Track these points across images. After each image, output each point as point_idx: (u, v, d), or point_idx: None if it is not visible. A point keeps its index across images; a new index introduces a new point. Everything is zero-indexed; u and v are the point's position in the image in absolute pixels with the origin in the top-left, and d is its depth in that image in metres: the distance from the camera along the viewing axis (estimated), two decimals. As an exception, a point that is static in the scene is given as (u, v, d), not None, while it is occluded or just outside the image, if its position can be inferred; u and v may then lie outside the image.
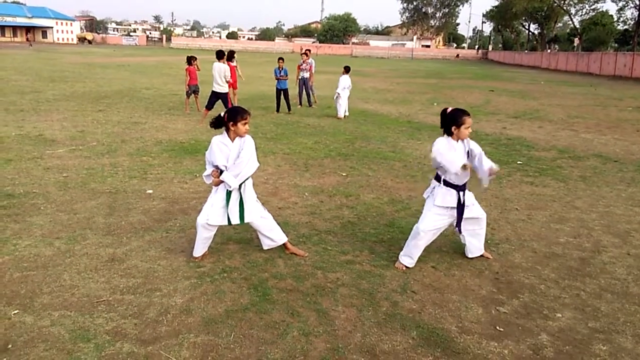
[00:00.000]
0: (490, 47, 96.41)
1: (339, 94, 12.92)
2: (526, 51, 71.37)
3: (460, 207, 4.12)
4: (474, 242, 4.40)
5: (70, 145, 8.40)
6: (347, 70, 13.44)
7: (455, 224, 4.20)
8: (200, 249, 4.27)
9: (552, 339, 3.29)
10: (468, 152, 4.12)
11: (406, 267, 4.25)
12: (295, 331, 3.29)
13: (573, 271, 4.31)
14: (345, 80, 13.05)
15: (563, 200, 6.36)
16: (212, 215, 4.14)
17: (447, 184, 4.12)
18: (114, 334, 3.18)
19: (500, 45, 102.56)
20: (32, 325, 3.22)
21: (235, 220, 4.16)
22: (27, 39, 66.08)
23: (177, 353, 3.02)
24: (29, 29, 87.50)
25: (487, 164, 4.01)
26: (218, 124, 4.03)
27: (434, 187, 4.22)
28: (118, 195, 5.89)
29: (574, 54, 50.76)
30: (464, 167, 3.96)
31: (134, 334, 3.19)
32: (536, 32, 78.54)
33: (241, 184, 4.10)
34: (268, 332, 3.27)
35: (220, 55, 11.60)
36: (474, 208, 4.26)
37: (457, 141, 4.10)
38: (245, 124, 3.99)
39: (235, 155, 4.04)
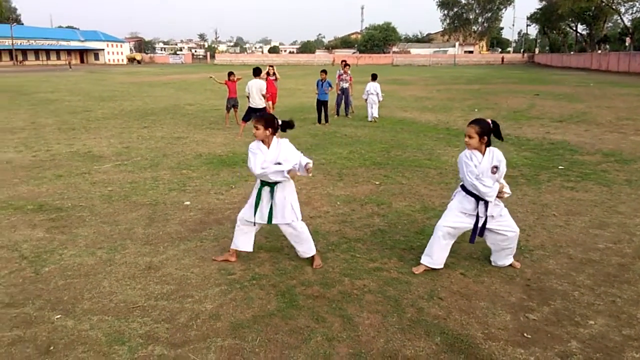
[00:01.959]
0: (536, 50, 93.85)
1: (365, 99, 14.32)
2: (572, 53, 69.00)
3: (480, 218, 4.08)
4: (501, 255, 4.31)
5: (116, 161, 8.83)
6: (374, 77, 14.59)
7: (471, 236, 4.16)
8: (236, 242, 4.45)
9: (582, 346, 3.20)
10: (495, 166, 4.03)
11: (426, 267, 4.24)
12: (319, 336, 3.35)
13: (610, 278, 4.17)
14: (370, 87, 14.19)
15: (605, 205, 6.13)
16: (245, 212, 4.38)
17: (466, 190, 4.10)
18: (147, 338, 3.33)
19: (547, 48, 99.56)
20: (72, 329, 3.43)
21: (262, 219, 4.29)
22: (68, 62, 68.72)
23: (204, 356, 3.14)
24: (82, 52, 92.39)
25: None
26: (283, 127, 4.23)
27: (457, 191, 4.22)
28: (157, 207, 6.15)
29: (625, 53, 48.71)
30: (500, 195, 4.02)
31: (165, 338, 3.33)
32: (584, 32, 75.76)
33: (273, 187, 4.21)
34: (292, 337, 3.34)
35: (257, 72, 11.90)
36: (503, 222, 4.18)
37: (482, 154, 4.04)
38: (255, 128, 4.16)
39: (271, 158, 4.16)
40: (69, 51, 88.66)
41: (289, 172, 4.14)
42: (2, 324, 3.48)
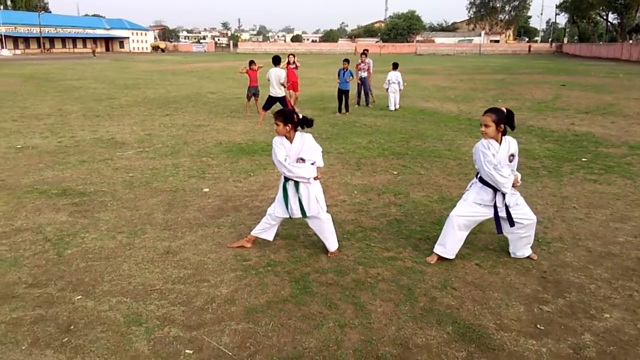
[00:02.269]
0: (565, 40, 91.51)
1: (386, 88, 14.49)
2: (601, 43, 67.11)
3: (498, 208, 4.05)
4: (519, 245, 4.28)
5: (138, 148, 8.99)
6: (395, 66, 14.69)
7: (496, 227, 4.14)
8: (259, 230, 4.54)
9: (596, 339, 3.17)
10: (512, 154, 4.00)
11: (438, 256, 4.24)
12: (331, 322, 3.39)
13: (629, 271, 4.10)
14: (391, 75, 14.37)
15: (628, 199, 6.01)
16: (277, 209, 4.43)
17: (482, 181, 4.07)
18: (164, 320, 3.42)
19: (575, 38, 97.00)
20: (92, 310, 3.54)
21: (297, 214, 4.34)
22: (92, 50, 68.35)
23: (218, 338, 3.21)
24: (107, 40, 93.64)
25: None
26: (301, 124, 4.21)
27: (473, 182, 4.19)
28: (177, 193, 6.26)
29: (658, 43, 47.07)
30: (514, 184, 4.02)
31: (181, 320, 3.42)
32: (615, 22, 73.48)
33: (297, 182, 4.25)
34: (305, 323, 3.39)
35: (276, 60, 11.91)
36: (519, 210, 4.14)
37: (499, 143, 4.00)
38: (276, 124, 4.17)
39: (294, 153, 4.18)
40: (95, 39, 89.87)
41: (315, 178, 4.25)
42: (26, 303, 3.62)
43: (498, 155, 3.95)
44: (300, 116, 4.17)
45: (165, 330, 3.30)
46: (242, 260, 4.34)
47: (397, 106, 14.35)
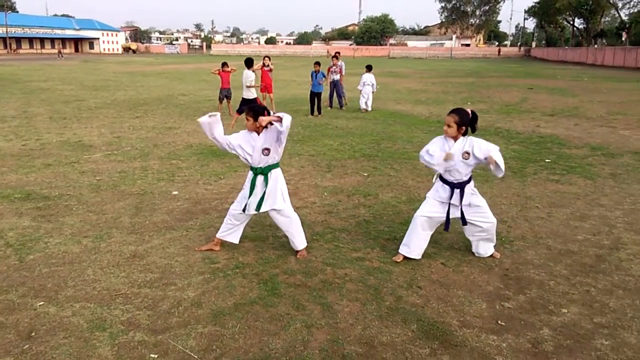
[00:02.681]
0: (533, 44, 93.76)
1: (359, 90, 14.68)
2: (567, 47, 69.03)
3: (451, 206, 4.17)
4: (482, 244, 4.39)
5: (106, 150, 8.84)
6: (369, 68, 14.96)
7: (445, 224, 4.24)
8: (223, 232, 4.51)
9: (553, 333, 3.28)
10: (467, 152, 4.08)
11: (404, 256, 4.32)
12: (298, 323, 3.41)
13: (586, 268, 4.25)
14: (365, 78, 14.59)
15: (588, 198, 6.21)
16: (238, 204, 4.42)
17: (442, 179, 4.19)
18: (128, 324, 3.39)
19: (543, 42, 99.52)
20: (54, 316, 3.47)
21: (252, 210, 4.33)
22: (59, 51, 64.72)
23: (184, 342, 3.20)
24: (77, 41, 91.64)
25: (484, 154, 3.99)
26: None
27: (435, 181, 4.31)
28: (145, 196, 6.19)
29: (621, 48, 48.82)
30: (446, 158, 4.05)
31: (147, 324, 3.39)
32: (581, 27, 75.69)
33: (266, 176, 4.25)
34: (272, 324, 3.40)
35: (248, 62, 11.91)
36: (480, 212, 4.23)
37: (454, 140, 4.11)
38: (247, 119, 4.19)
39: (260, 144, 4.17)
40: (64, 40, 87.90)
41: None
42: (-15, 309, 3.53)
43: (452, 149, 4.06)
44: (271, 112, 4.22)
45: (129, 335, 3.27)
46: (210, 263, 4.32)
47: (370, 108, 14.56)
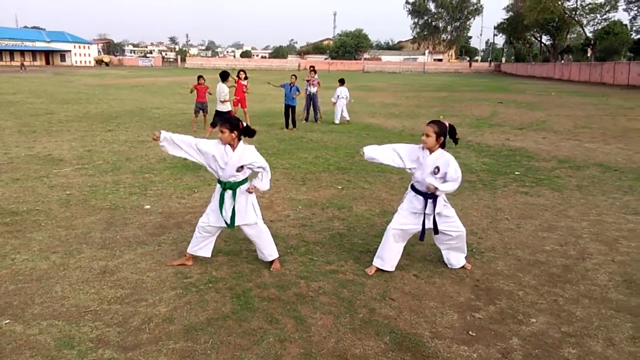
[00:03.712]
0: (503, 59, 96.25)
1: (334, 102, 15.18)
2: (535, 63, 71.12)
3: (426, 216, 4.23)
4: (453, 255, 4.48)
5: (77, 165, 8.68)
6: (341, 82, 15.48)
7: (420, 234, 4.30)
8: (194, 247, 4.47)
9: (522, 343, 3.35)
10: (437, 167, 4.15)
11: (377, 268, 4.36)
12: (271, 337, 3.40)
13: (554, 278, 4.36)
14: (339, 91, 15.16)
15: (555, 209, 6.38)
16: (211, 217, 4.38)
17: (415, 190, 4.25)
18: (98, 342, 3.32)
19: (512, 57, 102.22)
20: (21, 334, 3.38)
21: (223, 223, 4.32)
22: (21, 63, 60.72)
23: (155, 359, 3.15)
24: (47, 53, 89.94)
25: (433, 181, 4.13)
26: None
27: (407, 192, 4.37)
28: (117, 211, 6.09)
29: (586, 64, 50.45)
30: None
31: (116, 342, 3.32)
32: (548, 43, 78.15)
33: (235, 191, 4.25)
34: (245, 339, 3.38)
35: (222, 76, 11.93)
36: (450, 222, 4.32)
37: (430, 153, 4.18)
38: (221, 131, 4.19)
39: (234, 162, 4.19)
40: (34, 52, 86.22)
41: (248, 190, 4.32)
42: (-53, 329, 3.41)
43: (424, 162, 4.12)
44: (244, 124, 4.23)
45: (99, 352, 3.20)
46: (182, 278, 4.28)
47: (348, 119, 15.25)
